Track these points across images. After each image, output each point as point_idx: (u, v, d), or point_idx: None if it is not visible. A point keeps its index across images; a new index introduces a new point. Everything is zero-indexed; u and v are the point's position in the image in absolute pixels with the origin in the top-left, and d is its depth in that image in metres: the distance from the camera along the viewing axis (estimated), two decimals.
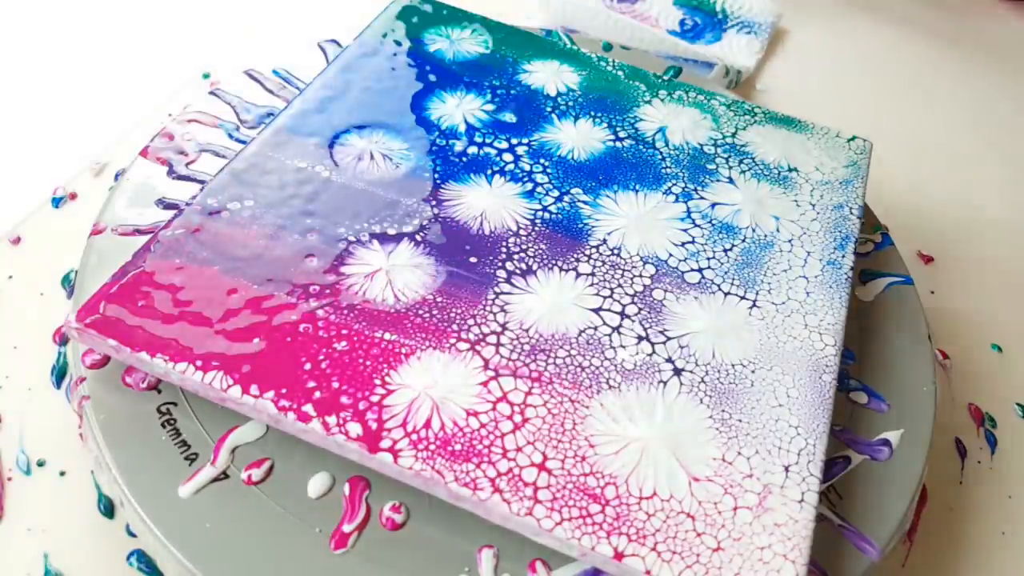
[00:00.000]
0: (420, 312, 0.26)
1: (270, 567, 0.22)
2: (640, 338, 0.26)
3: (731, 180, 0.32)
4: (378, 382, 0.24)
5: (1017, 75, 0.51)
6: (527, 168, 0.32)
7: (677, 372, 0.26)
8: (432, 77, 0.35)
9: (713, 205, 0.31)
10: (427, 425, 0.23)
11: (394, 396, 0.24)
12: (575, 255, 0.29)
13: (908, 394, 0.29)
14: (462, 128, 0.33)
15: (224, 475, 0.24)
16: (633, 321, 0.27)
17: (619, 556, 0.22)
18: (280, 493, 0.24)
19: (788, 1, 0.53)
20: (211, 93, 0.35)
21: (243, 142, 0.33)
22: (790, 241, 0.30)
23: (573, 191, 0.31)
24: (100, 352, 0.26)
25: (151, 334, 0.24)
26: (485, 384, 0.25)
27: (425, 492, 0.23)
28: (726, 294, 0.28)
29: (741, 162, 0.33)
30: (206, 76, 0.42)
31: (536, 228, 0.29)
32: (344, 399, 0.24)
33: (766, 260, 0.30)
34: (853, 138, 0.35)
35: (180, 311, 0.25)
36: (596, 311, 0.27)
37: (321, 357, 0.25)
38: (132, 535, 0.25)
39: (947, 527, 0.30)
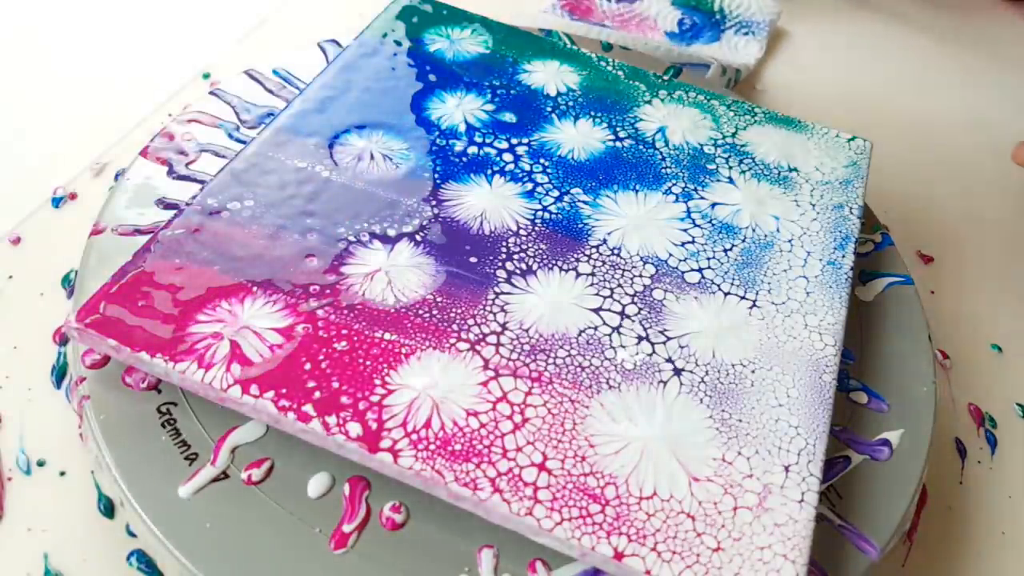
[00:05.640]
0: (420, 312, 0.26)
1: (270, 567, 0.22)
2: (640, 338, 0.26)
3: (731, 180, 0.32)
4: (378, 382, 0.24)
5: (1017, 75, 0.51)
6: (527, 168, 0.32)
7: (677, 372, 0.26)
8: (432, 77, 0.35)
9: (713, 205, 0.31)
10: (427, 425, 0.23)
11: (394, 396, 0.24)
12: (575, 255, 0.29)
13: (908, 394, 0.29)
14: (462, 128, 0.33)
15: (224, 475, 0.24)
16: (633, 321, 0.27)
17: (619, 556, 0.22)
18: (280, 493, 0.24)
19: (788, 1, 0.53)
20: (211, 93, 0.35)
21: (243, 142, 0.33)
22: (790, 241, 0.30)
23: (573, 191, 0.31)
24: (100, 352, 0.26)
25: (151, 334, 0.24)
26: (485, 384, 0.25)
27: (425, 492, 0.23)
28: (726, 294, 0.28)
29: (741, 162, 0.33)
30: (206, 76, 0.42)
31: (536, 228, 0.29)
32: (344, 399, 0.24)
33: (766, 260, 0.30)
34: (853, 138, 0.35)
35: (180, 311, 0.25)
36: (596, 311, 0.27)
37: (321, 357, 0.25)
38: (132, 535, 0.25)
39: (947, 527, 0.30)
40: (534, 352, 0.26)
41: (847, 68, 0.51)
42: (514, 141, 0.33)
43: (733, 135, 0.34)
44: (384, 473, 0.23)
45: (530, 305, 0.27)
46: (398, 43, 0.36)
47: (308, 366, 0.24)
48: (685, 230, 0.30)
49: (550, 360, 0.25)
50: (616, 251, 0.29)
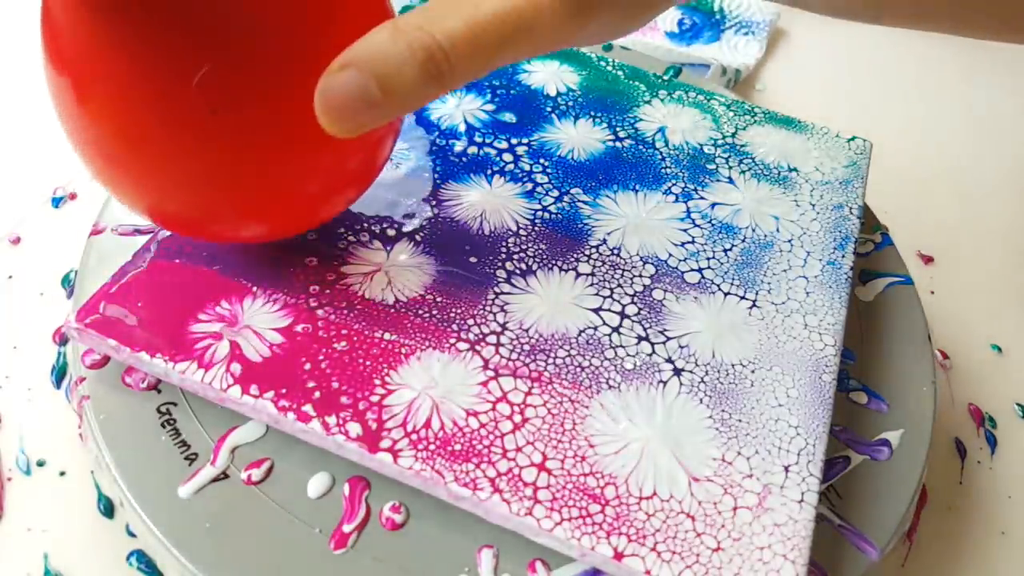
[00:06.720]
0: (420, 312, 0.26)
1: (270, 567, 0.22)
2: (640, 338, 0.26)
3: (731, 180, 0.32)
4: (378, 382, 0.24)
5: (1017, 75, 0.51)
6: (527, 168, 0.32)
7: (677, 372, 0.26)
8: None
9: (713, 205, 0.31)
10: (427, 425, 0.23)
11: (394, 396, 0.24)
12: (575, 255, 0.29)
13: (908, 394, 0.29)
14: (462, 128, 0.33)
15: (224, 475, 0.24)
16: (633, 321, 0.27)
17: (619, 556, 0.22)
18: (280, 493, 0.24)
19: None
20: None
21: None
22: (790, 241, 0.30)
23: (573, 191, 0.31)
24: (100, 352, 0.26)
25: (151, 334, 0.24)
26: (485, 384, 0.25)
27: (425, 492, 0.23)
28: (726, 294, 0.28)
29: (741, 162, 0.33)
30: None
31: (536, 228, 0.29)
32: (344, 399, 0.24)
33: (766, 260, 0.30)
34: (853, 138, 0.35)
35: (180, 311, 0.25)
36: (596, 311, 0.27)
37: (321, 357, 0.25)
38: (132, 535, 0.25)
39: (947, 527, 0.30)
40: (534, 352, 0.26)
41: (847, 68, 0.51)
42: (514, 141, 0.33)
43: (733, 135, 0.34)
44: (384, 473, 0.23)
45: (530, 305, 0.27)
46: None
47: (308, 366, 0.24)
48: (685, 230, 0.30)
49: (550, 360, 0.26)
50: (616, 251, 0.29)
